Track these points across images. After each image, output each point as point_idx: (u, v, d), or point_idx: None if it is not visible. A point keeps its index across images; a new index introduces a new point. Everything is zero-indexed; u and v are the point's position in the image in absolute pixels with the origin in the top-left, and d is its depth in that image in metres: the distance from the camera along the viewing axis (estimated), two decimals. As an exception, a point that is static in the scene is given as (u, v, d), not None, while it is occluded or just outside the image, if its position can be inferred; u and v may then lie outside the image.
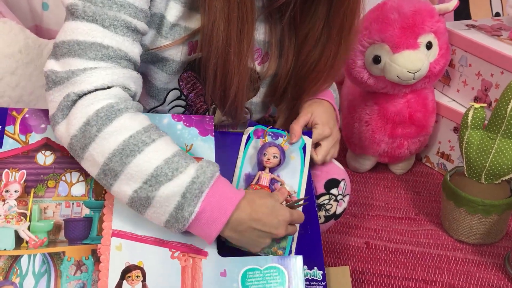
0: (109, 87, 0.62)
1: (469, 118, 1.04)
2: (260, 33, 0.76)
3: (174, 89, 0.78)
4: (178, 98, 0.80)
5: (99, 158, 0.60)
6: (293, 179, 0.77)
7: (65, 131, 0.62)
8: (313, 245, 0.75)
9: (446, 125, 1.29)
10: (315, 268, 0.73)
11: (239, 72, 0.70)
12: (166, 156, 0.61)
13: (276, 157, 0.76)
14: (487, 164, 1.03)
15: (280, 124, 0.87)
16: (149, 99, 0.79)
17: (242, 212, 0.63)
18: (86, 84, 0.61)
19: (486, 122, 1.06)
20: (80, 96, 0.61)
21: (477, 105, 1.04)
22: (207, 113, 0.83)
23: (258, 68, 0.79)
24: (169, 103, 0.80)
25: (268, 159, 0.76)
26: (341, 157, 1.34)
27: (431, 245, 1.08)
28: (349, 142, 1.32)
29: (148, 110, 0.81)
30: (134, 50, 0.65)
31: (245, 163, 0.78)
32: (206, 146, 0.73)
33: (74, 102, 0.61)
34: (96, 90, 0.61)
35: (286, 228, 0.66)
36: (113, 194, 0.63)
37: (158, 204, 0.60)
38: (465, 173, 1.07)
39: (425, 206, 1.21)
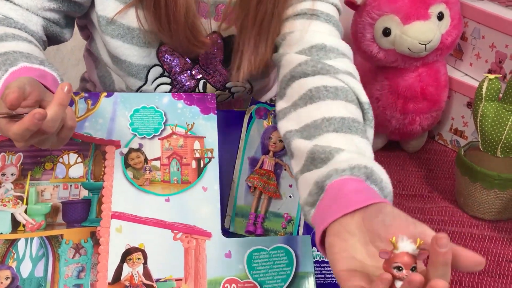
0: None
1: (484, 89, 1.00)
2: None
3: (155, 65, 0.75)
4: (161, 76, 0.77)
5: None
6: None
7: None
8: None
9: (459, 101, 1.25)
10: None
11: None
12: None
13: (282, 141, 0.73)
14: (503, 137, 0.99)
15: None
16: (131, 79, 0.76)
17: None
18: None
19: (501, 95, 1.01)
20: None
21: (491, 76, 1.00)
22: (196, 89, 0.80)
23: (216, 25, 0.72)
24: (153, 82, 0.77)
25: (274, 143, 0.73)
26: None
27: (446, 222, 1.05)
28: (359, 120, 1.28)
29: (135, 91, 0.78)
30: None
31: (248, 146, 0.75)
32: (208, 125, 0.71)
33: None
34: None
35: None
36: None
37: None
38: (480, 147, 1.03)
39: (438, 184, 1.18)
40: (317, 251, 0.68)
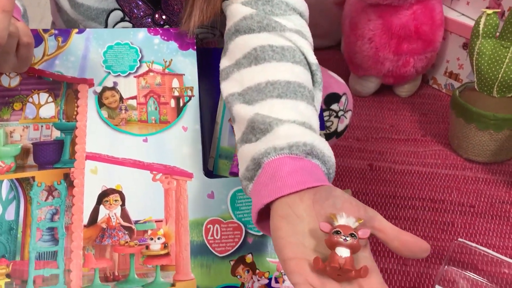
0: None
1: (481, 25, 0.95)
2: None
3: (115, 9, 0.70)
4: (122, 20, 0.72)
5: None
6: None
7: None
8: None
9: (454, 42, 1.20)
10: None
11: None
12: None
13: None
14: (500, 75, 0.95)
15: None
16: (91, 23, 0.71)
17: None
18: None
19: (498, 34, 0.97)
20: None
21: (489, 11, 0.95)
22: None
23: None
24: (113, 27, 0.72)
25: None
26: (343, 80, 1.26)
27: (439, 165, 1.03)
28: (351, 63, 1.24)
29: None
30: None
31: None
32: (187, 62, 0.66)
33: None
34: None
35: None
36: None
37: None
38: (476, 87, 1.00)
39: (432, 128, 1.15)
40: None
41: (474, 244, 0.82)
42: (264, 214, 0.44)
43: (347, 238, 0.37)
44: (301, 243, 0.39)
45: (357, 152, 1.07)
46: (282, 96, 0.50)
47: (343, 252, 0.37)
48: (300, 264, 0.38)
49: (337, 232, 0.37)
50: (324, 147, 0.46)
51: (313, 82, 0.55)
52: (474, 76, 0.99)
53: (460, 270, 0.82)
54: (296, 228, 0.40)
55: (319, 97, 0.55)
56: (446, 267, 0.82)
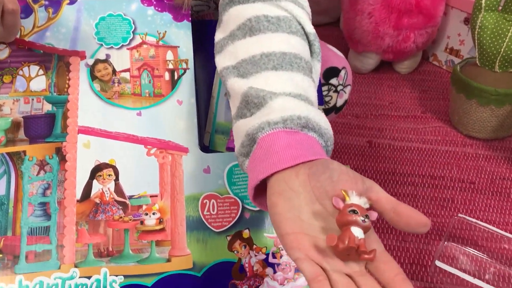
0: None
1: (483, -2, 0.93)
2: None
3: None
4: None
5: None
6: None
7: None
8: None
9: (456, 17, 1.18)
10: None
11: None
12: None
13: None
14: (502, 49, 0.93)
15: None
16: None
17: None
18: None
19: (501, 7, 0.94)
20: None
21: (492, -17, 0.93)
22: None
23: None
24: None
25: None
26: (342, 57, 1.24)
27: (439, 142, 1.02)
28: (350, 39, 1.21)
29: None
30: None
31: None
32: (181, 33, 0.64)
33: None
34: None
35: None
36: None
37: None
38: (477, 62, 0.98)
39: (432, 104, 1.13)
40: None
41: (474, 220, 0.81)
42: (261, 190, 0.43)
43: (366, 220, 0.36)
44: (298, 218, 0.38)
45: (356, 129, 1.05)
46: (277, 68, 0.48)
47: (358, 233, 0.36)
48: (299, 238, 0.37)
49: (354, 212, 0.36)
50: (321, 120, 0.45)
51: (311, 52, 0.53)
52: (476, 51, 0.98)
53: (460, 246, 0.81)
54: (292, 203, 0.39)
55: (317, 68, 0.53)
56: (446, 243, 0.82)
